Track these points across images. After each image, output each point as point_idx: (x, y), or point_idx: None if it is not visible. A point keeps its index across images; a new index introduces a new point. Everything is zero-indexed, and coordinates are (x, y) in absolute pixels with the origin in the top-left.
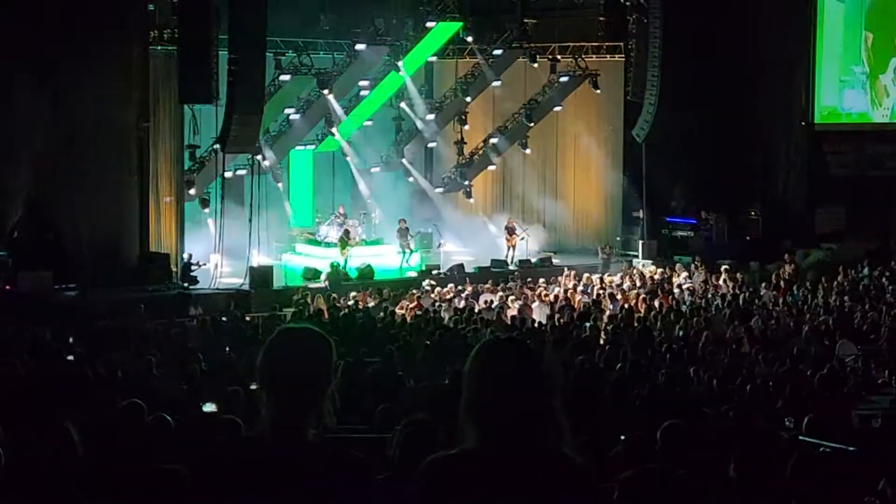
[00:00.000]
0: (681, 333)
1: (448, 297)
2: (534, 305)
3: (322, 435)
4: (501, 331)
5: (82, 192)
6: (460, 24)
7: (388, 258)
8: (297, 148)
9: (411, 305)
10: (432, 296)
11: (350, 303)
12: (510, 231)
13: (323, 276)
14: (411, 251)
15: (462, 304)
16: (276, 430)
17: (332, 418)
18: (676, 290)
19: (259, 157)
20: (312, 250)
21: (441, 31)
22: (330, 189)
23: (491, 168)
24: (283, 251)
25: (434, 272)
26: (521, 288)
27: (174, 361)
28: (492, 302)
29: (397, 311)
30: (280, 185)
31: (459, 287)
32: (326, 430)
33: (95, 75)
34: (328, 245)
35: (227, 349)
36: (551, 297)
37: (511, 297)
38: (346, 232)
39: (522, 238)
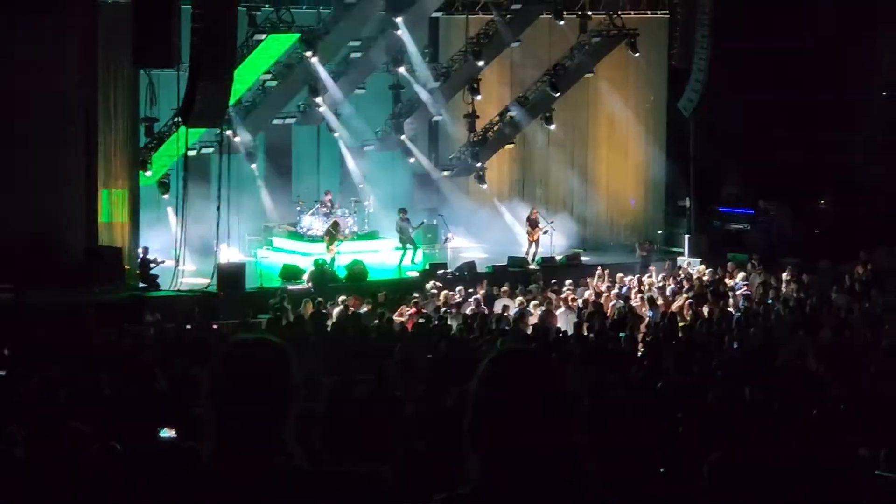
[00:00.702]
0: (734, 346)
1: (456, 301)
2: (558, 312)
3: (288, 466)
4: (518, 342)
5: (13, 174)
6: None
7: (384, 255)
8: (275, 122)
9: (412, 312)
10: (437, 300)
11: (338, 309)
12: (532, 223)
13: (306, 277)
14: (414, 247)
15: (473, 310)
16: (223, 461)
17: (295, 447)
18: (730, 295)
19: (229, 132)
20: (293, 245)
21: None
22: (314, 171)
23: (508, 147)
24: (258, 246)
25: (440, 272)
26: (544, 291)
27: (126, 378)
28: (508, 308)
29: (395, 318)
30: (254, 166)
31: (470, 290)
32: (292, 460)
33: (26, 31)
34: (312, 239)
35: (190, 364)
36: (579, 303)
37: (532, 303)
38: (335, 224)
39: (546, 231)
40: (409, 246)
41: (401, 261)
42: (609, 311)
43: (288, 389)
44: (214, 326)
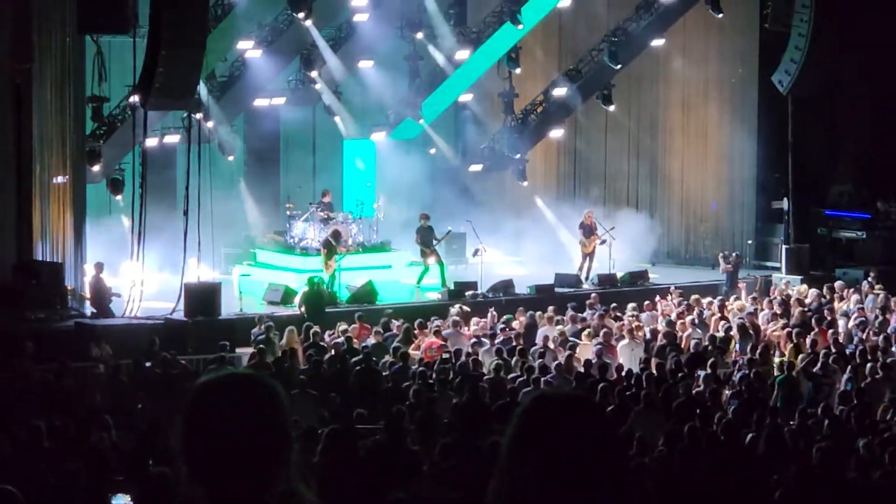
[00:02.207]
0: (848, 388)
1: (489, 331)
2: (620, 345)
3: None
4: (565, 384)
5: None
6: None
7: (398, 272)
8: (258, 103)
9: (434, 345)
10: (465, 330)
11: (340, 340)
12: (586, 231)
13: (298, 300)
14: (440, 264)
15: (510, 342)
16: None
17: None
18: (841, 322)
19: (199, 115)
20: (282, 260)
21: None
22: (308, 166)
23: (555, 135)
24: (238, 261)
25: (468, 294)
26: (602, 318)
27: (70, 427)
28: (556, 340)
29: (411, 352)
30: (232, 158)
31: (507, 316)
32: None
33: None
34: (306, 253)
35: (150, 409)
36: (646, 332)
37: (586, 333)
38: (334, 233)
39: (604, 241)
40: (431, 261)
41: (420, 279)
42: (685, 343)
43: (284, 430)
44: (182, 362)
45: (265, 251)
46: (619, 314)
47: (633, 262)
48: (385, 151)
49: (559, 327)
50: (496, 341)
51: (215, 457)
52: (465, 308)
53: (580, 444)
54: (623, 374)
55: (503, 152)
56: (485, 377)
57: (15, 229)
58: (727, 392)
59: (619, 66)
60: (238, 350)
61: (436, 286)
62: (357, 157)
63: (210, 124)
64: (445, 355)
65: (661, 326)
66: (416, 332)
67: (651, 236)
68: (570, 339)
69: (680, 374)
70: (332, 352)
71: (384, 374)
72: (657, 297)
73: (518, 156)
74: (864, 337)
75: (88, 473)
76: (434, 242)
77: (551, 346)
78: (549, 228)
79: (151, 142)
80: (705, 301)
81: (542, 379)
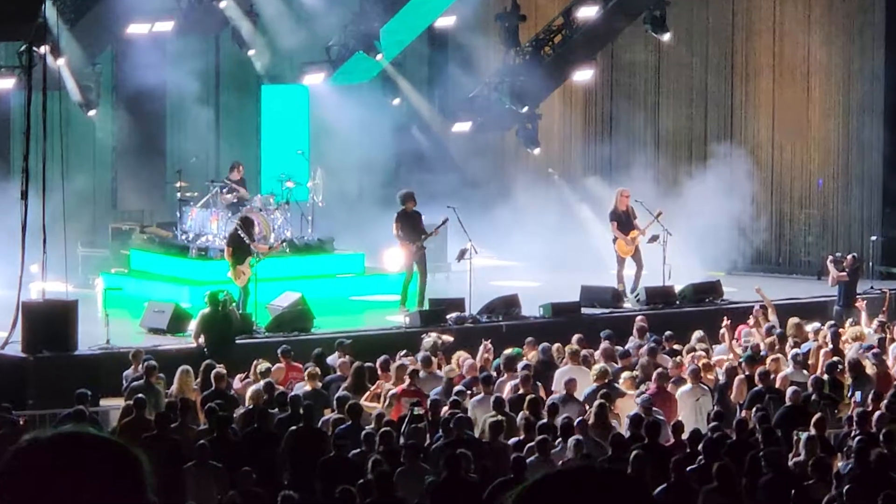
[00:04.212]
0: None
1: (481, 373)
2: (680, 392)
3: None
4: (600, 451)
5: None
6: None
7: (344, 284)
8: (133, 31)
9: (399, 392)
10: (442, 370)
11: (257, 386)
12: (623, 221)
13: (194, 327)
14: (420, 271)
15: (514, 389)
16: None
17: None
18: None
19: (45, 48)
20: (169, 266)
21: None
22: (209, 126)
23: (581, 77)
24: (103, 268)
25: (451, 316)
26: (653, 353)
27: None
28: (579, 385)
29: (366, 405)
30: (93, 113)
31: (510, 351)
32: None
33: None
34: (205, 255)
35: None
36: (719, 375)
37: (628, 375)
38: (245, 221)
39: (655, 237)
40: (412, 261)
41: (405, 295)
42: (781, 384)
43: None
44: (21, 421)
45: (144, 253)
46: (677, 347)
47: (699, 270)
48: (324, 102)
49: (588, 368)
50: (492, 388)
51: None
52: (446, 338)
53: None
54: (684, 436)
55: (503, 104)
56: (475, 442)
57: None
58: (839, 463)
59: None
60: (104, 402)
61: (396, 303)
62: (284, 109)
63: (61, 62)
64: (417, 409)
65: (740, 365)
66: (375, 372)
67: (725, 230)
68: (605, 384)
69: (770, 437)
70: (247, 404)
71: (326, 436)
72: (735, 322)
73: (525, 109)
74: None
75: None
76: (423, 237)
77: (576, 394)
78: (571, 218)
79: None
80: (809, 328)
81: (562, 445)
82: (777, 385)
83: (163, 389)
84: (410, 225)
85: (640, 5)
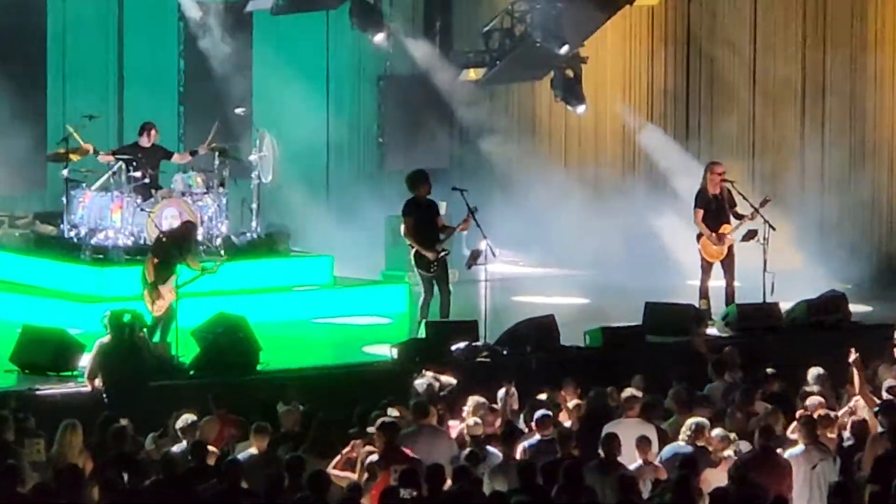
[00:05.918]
0: None
1: (501, 427)
2: (790, 455)
3: None
4: None
5: None
6: None
7: (308, 302)
8: None
9: (377, 455)
10: (444, 425)
11: (180, 448)
12: (714, 210)
13: (88, 363)
14: (442, 278)
15: (549, 451)
16: None
17: None
18: None
19: None
20: (50, 273)
21: None
22: (108, 71)
23: (645, 1)
24: None
25: (455, 347)
26: (749, 398)
27: None
28: (649, 444)
29: (334, 474)
30: None
31: (542, 397)
32: None
33: None
34: (104, 259)
35: None
36: (845, 431)
37: (718, 432)
38: (186, 227)
39: (753, 234)
40: (431, 270)
41: (422, 313)
42: None
43: None
44: None
45: (15, 255)
46: (783, 390)
47: (815, 282)
48: (275, 38)
49: (686, 422)
50: (518, 450)
51: None
52: (447, 379)
53: None
54: None
55: (532, 41)
56: None
57: None
58: None
59: None
60: None
61: (380, 328)
62: None
63: None
64: (406, 493)
65: (873, 417)
66: (347, 427)
67: (850, 232)
68: (680, 444)
69: None
70: (163, 474)
71: None
72: (867, 358)
73: (564, 49)
74: None
75: None
76: (443, 238)
77: (639, 457)
78: (630, 206)
79: None
80: None
81: None
82: None
83: (36, 452)
84: (425, 221)
85: None
